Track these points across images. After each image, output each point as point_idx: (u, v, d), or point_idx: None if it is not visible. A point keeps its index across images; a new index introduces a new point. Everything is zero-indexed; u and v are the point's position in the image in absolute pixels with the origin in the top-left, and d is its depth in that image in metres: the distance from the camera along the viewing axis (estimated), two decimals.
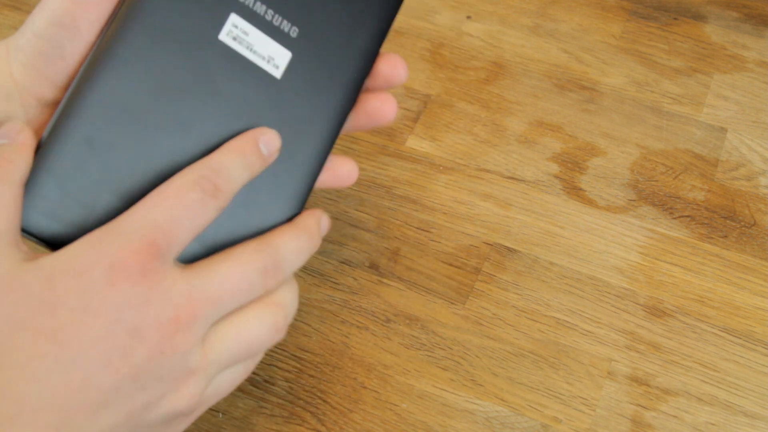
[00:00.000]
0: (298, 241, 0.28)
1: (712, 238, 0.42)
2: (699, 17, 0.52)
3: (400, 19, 0.51)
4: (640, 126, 0.46)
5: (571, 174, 0.44)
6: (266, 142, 0.29)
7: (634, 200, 0.43)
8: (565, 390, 0.37)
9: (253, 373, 0.37)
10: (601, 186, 0.44)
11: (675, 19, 0.52)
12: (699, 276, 0.41)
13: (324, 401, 0.37)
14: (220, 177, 0.27)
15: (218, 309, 0.26)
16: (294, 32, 0.31)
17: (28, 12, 0.51)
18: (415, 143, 0.46)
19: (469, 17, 0.52)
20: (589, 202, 0.43)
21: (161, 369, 0.25)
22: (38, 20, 0.27)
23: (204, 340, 0.26)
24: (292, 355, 0.38)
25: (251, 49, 0.30)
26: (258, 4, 0.31)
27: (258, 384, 0.37)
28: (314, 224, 0.29)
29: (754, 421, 0.36)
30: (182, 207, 0.26)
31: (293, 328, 0.39)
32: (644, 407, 0.37)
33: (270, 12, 0.31)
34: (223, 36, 0.30)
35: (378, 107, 0.32)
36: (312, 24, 0.32)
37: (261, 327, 0.27)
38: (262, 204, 0.29)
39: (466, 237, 0.42)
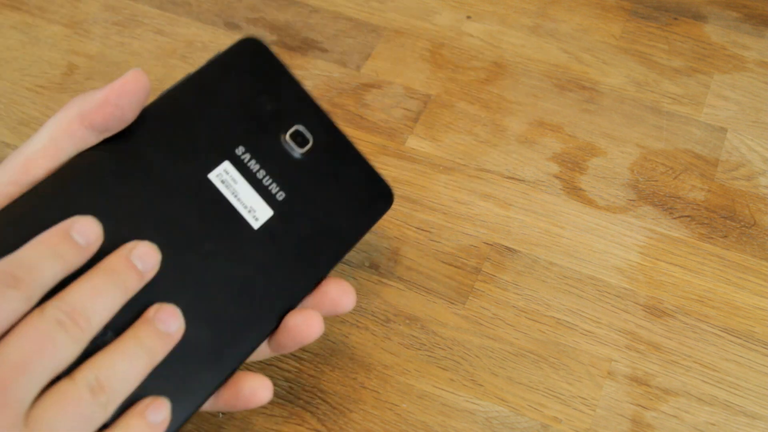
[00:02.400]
0: (90, 282, 0.26)
1: (712, 238, 0.42)
2: (699, 17, 0.52)
3: (400, 19, 0.52)
4: (640, 126, 0.46)
5: (571, 174, 0.44)
6: (81, 231, 0.27)
7: (634, 200, 0.43)
8: (565, 390, 0.37)
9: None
10: (601, 186, 0.44)
11: (675, 19, 0.52)
12: (699, 276, 0.41)
13: (324, 401, 0.37)
14: (20, 268, 0.25)
15: (29, 376, 0.24)
16: (280, 196, 0.33)
17: (28, 12, 0.51)
18: (415, 143, 0.46)
19: (469, 17, 0.52)
20: (589, 202, 0.43)
21: None
22: None
23: (26, 420, 0.24)
24: (292, 354, 0.38)
25: (236, 196, 0.32)
26: (252, 162, 0.32)
27: None
28: (114, 259, 0.27)
29: (754, 421, 0.36)
30: None
31: None
32: (644, 407, 0.37)
33: (262, 172, 0.32)
34: (213, 176, 0.31)
35: (337, 297, 0.32)
36: (297, 197, 0.33)
37: (78, 392, 0.25)
38: (176, 371, 0.29)
39: (466, 237, 0.42)
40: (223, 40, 0.50)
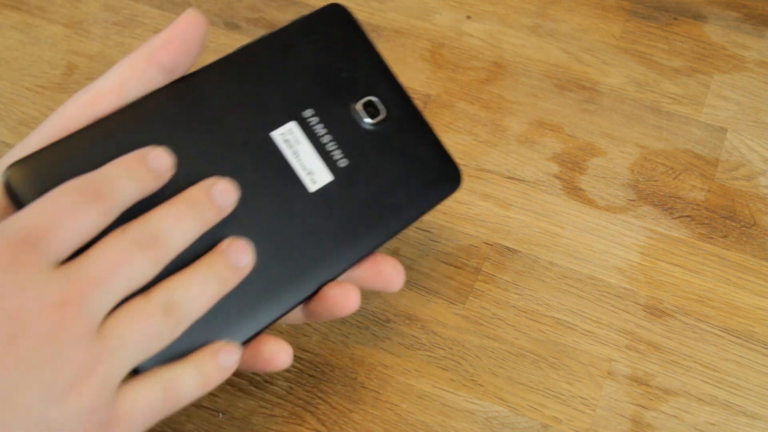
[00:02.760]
0: (172, 209, 0.27)
1: (712, 238, 0.42)
2: (699, 17, 0.52)
3: (400, 19, 0.52)
4: (640, 126, 0.46)
5: (571, 174, 0.44)
6: (156, 158, 0.28)
7: (634, 200, 0.43)
8: (565, 390, 0.37)
9: (253, 372, 0.37)
10: (601, 186, 0.44)
11: (675, 19, 0.52)
12: (699, 276, 0.41)
13: (324, 401, 0.37)
14: (101, 183, 0.26)
15: (104, 289, 0.25)
16: (343, 163, 0.32)
17: (28, 12, 0.51)
18: None
19: (469, 17, 0.52)
20: (589, 202, 0.43)
21: (57, 357, 0.24)
22: (34, 143, 0.28)
23: (100, 330, 0.25)
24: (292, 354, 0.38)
25: (297, 157, 0.31)
26: (319, 126, 0.32)
27: (258, 384, 0.37)
28: (195, 190, 0.28)
29: (754, 421, 0.36)
30: (57, 208, 0.25)
31: (294, 328, 0.39)
32: (644, 407, 0.37)
33: (328, 137, 0.32)
34: (276, 134, 0.31)
35: (391, 276, 0.32)
36: (361, 166, 0.32)
37: (151, 311, 0.26)
38: (218, 314, 0.29)
39: (466, 237, 0.42)
40: (223, 40, 0.50)
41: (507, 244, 0.42)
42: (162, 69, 0.29)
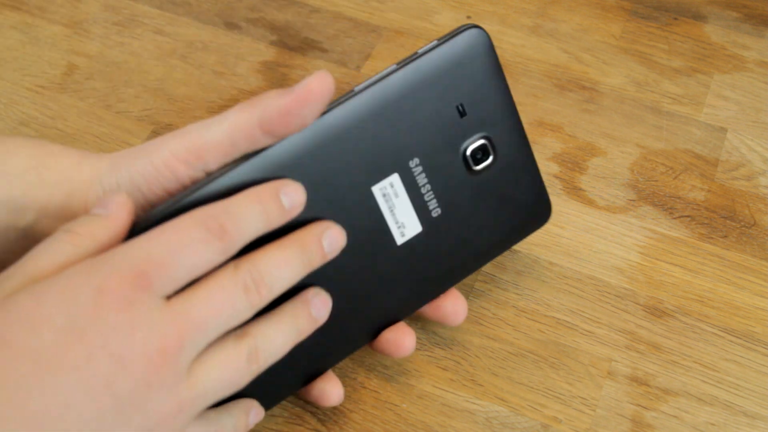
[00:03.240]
0: (283, 253, 0.27)
1: (712, 238, 0.42)
2: (699, 17, 0.52)
3: (400, 19, 0.52)
4: (640, 126, 0.46)
5: (571, 174, 0.44)
6: (289, 194, 0.28)
7: (634, 200, 0.43)
8: (565, 390, 0.37)
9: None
10: (601, 186, 0.44)
11: (675, 19, 0.52)
12: (699, 276, 0.41)
13: None
14: (229, 219, 0.26)
15: (204, 333, 0.25)
16: (436, 213, 0.31)
17: (28, 12, 0.51)
18: None
19: (469, 17, 0.52)
20: (589, 202, 0.43)
21: (147, 403, 0.24)
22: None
23: (188, 374, 0.25)
24: None
25: (392, 211, 0.30)
26: (422, 176, 0.30)
27: None
28: (308, 236, 0.28)
29: (754, 421, 0.36)
30: (180, 243, 0.25)
31: None
32: (644, 407, 0.37)
33: (427, 187, 0.31)
34: (376, 189, 0.30)
35: (451, 312, 0.34)
36: (453, 214, 0.31)
37: (238, 358, 0.26)
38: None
39: None
40: (223, 40, 0.50)
41: None
42: (272, 137, 0.28)
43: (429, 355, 0.38)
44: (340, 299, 0.30)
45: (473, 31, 0.30)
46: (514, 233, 0.34)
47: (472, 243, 0.32)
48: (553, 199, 0.43)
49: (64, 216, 0.28)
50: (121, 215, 0.26)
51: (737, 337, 0.39)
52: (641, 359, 0.38)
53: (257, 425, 0.36)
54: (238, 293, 0.26)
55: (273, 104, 0.28)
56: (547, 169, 0.44)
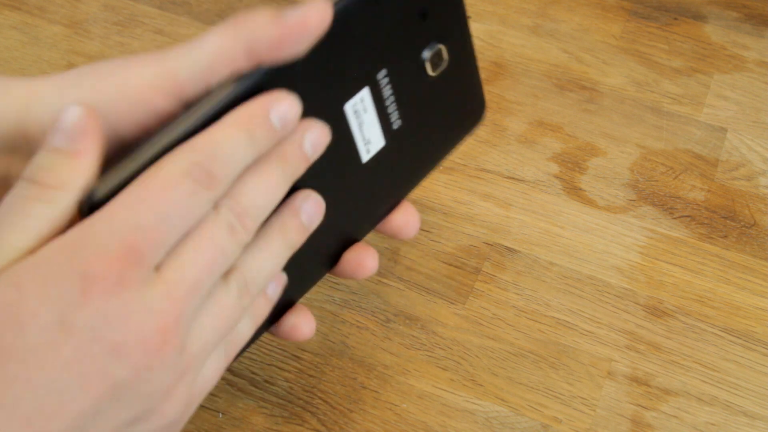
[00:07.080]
0: (263, 176, 0.25)
1: (712, 238, 0.42)
2: (699, 17, 0.52)
3: None
4: (640, 126, 0.46)
5: (571, 174, 0.44)
6: (280, 112, 0.24)
7: (634, 200, 0.43)
8: (565, 390, 0.37)
9: (253, 373, 0.37)
10: (601, 186, 0.44)
11: (675, 19, 0.52)
12: (699, 276, 0.41)
13: (324, 401, 0.37)
14: (216, 162, 0.23)
15: (200, 295, 0.23)
16: (396, 125, 0.30)
17: (28, 12, 0.51)
18: None
19: (469, 17, 0.52)
20: (589, 202, 0.43)
21: (149, 385, 0.22)
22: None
23: (186, 341, 0.23)
24: (292, 355, 0.38)
25: (360, 127, 0.29)
26: (388, 88, 0.29)
27: (258, 384, 0.37)
28: (287, 145, 0.25)
29: (754, 421, 0.36)
30: (169, 203, 0.22)
31: None
32: (644, 407, 0.37)
33: (391, 98, 0.29)
34: (348, 106, 0.28)
35: (403, 224, 0.31)
36: (410, 125, 0.31)
37: (229, 299, 0.24)
38: None
39: (466, 237, 0.42)
40: None
41: (507, 244, 0.42)
42: (256, 65, 0.25)
43: (429, 355, 0.38)
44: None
45: None
46: (459, 135, 0.33)
47: (425, 151, 0.32)
48: (553, 199, 0.43)
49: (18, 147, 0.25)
50: (91, 146, 0.23)
51: (737, 337, 0.39)
52: (641, 359, 0.38)
53: (258, 425, 0.36)
54: (225, 237, 0.23)
55: (263, 32, 0.24)
56: (547, 169, 0.44)
